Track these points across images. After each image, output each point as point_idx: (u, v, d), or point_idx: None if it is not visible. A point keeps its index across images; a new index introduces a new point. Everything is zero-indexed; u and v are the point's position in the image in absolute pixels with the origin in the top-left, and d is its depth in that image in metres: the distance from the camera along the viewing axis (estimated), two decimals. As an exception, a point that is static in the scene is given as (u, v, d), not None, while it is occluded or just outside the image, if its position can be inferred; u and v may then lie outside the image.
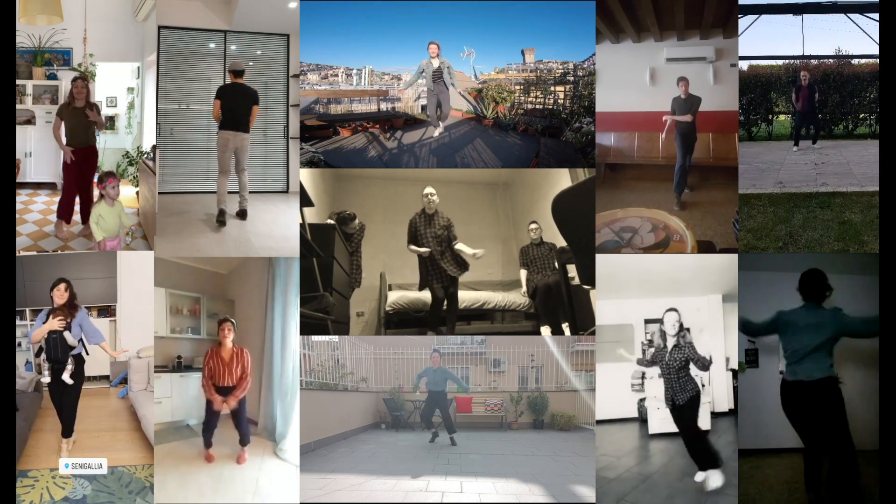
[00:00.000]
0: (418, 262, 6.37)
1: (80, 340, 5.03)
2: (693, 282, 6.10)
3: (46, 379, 4.97)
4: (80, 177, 5.91)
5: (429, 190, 6.35)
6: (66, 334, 4.95)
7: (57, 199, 6.01)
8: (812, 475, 4.62)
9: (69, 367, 4.96)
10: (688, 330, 4.83)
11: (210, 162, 7.13)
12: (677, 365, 4.70)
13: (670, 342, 4.74)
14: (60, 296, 4.97)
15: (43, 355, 4.99)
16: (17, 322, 6.33)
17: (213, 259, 6.40)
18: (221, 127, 6.15)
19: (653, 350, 4.90)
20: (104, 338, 5.18)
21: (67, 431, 5.03)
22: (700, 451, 4.75)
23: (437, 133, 6.48)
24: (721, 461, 4.76)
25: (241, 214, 6.35)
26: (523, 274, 6.98)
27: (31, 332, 4.95)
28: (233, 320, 5.29)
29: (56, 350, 4.94)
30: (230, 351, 5.22)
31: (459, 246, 6.32)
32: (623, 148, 6.72)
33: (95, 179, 5.90)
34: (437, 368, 6.61)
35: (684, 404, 4.70)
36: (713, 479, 4.68)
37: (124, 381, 6.27)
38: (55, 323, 4.91)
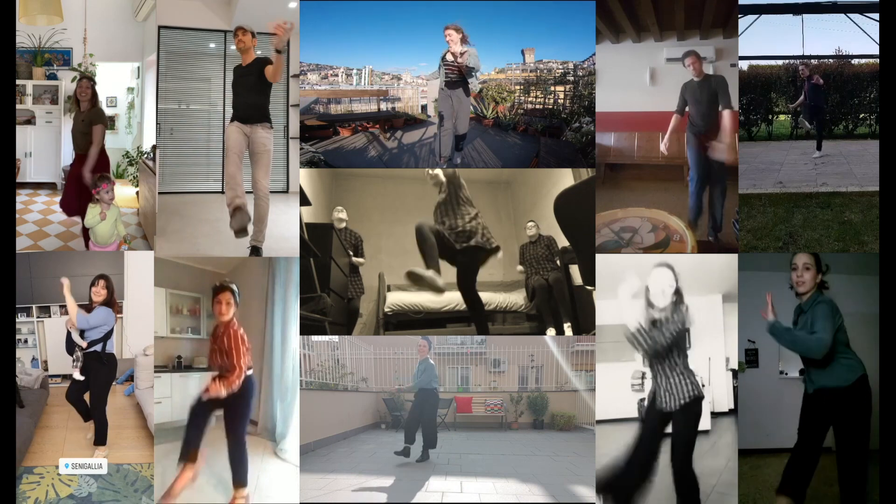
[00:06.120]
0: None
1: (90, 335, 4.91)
2: (693, 282, 6.09)
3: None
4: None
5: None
6: (72, 330, 4.89)
7: (57, 198, 6.01)
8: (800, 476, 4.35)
9: (78, 362, 4.85)
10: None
11: (209, 162, 7.14)
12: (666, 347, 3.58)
13: (658, 313, 3.61)
14: (97, 293, 4.92)
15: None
16: (24, 319, 6.35)
17: (213, 259, 6.39)
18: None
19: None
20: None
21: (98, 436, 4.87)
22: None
23: (458, 160, 5.88)
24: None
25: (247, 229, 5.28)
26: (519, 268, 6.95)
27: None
28: (233, 287, 4.32)
29: (68, 341, 4.94)
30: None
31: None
32: (623, 148, 6.73)
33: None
34: (423, 361, 6.03)
35: (674, 411, 3.56)
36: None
37: (130, 378, 6.27)
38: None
